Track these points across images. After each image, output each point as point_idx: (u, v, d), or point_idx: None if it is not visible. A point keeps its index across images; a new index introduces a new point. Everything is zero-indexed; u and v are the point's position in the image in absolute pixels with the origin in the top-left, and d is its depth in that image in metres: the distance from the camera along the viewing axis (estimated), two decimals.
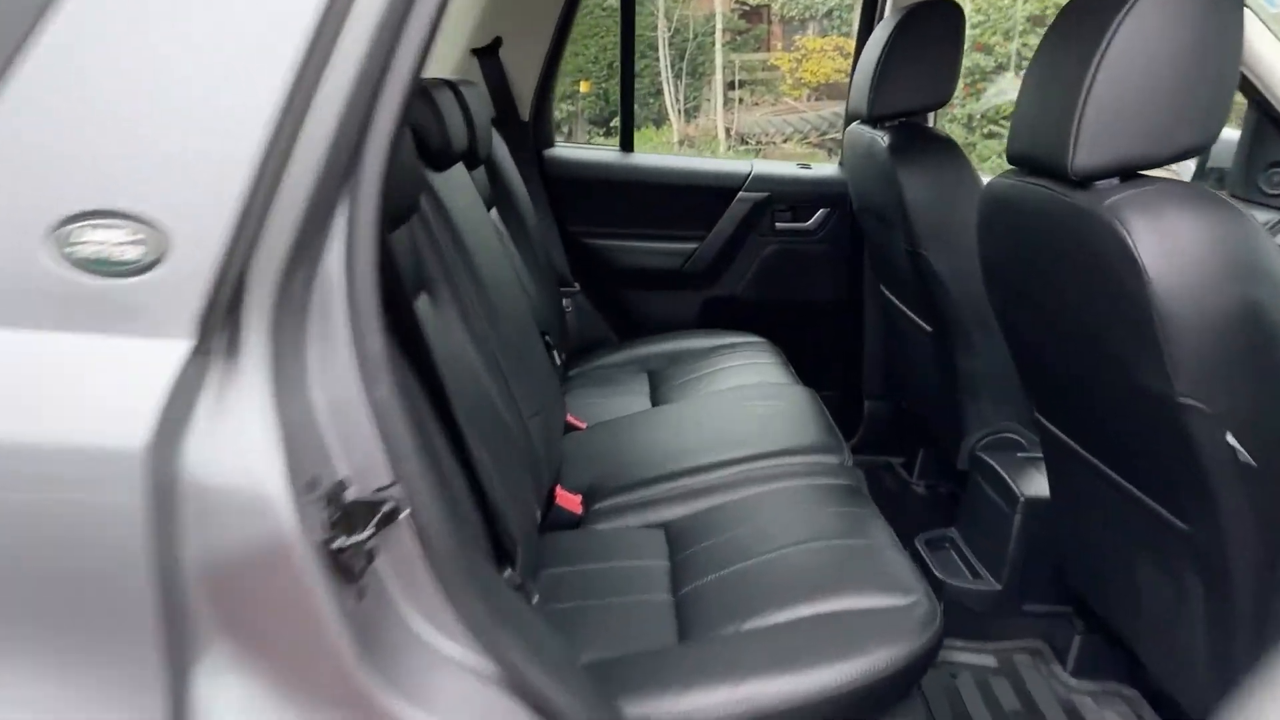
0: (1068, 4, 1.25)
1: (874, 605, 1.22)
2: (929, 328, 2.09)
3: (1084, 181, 1.16)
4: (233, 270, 0.70)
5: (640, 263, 2.64)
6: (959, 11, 2.00)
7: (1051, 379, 1.49)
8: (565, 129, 9.79)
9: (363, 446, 0.77)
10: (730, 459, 1.69)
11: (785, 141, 9.61)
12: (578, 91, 9.41)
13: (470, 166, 1.96)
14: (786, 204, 2.63)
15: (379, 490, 0.78)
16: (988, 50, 7.47)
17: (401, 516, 0.77)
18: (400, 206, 1.24)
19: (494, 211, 2.20)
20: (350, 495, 0.77)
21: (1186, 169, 1.93)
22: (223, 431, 0.70)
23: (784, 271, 2.65)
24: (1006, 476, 1.84)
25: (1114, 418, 1.31)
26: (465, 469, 1.15)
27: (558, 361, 2.02)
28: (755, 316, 2.65)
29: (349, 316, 0.77)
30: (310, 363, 0.76)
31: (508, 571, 1.19)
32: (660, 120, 10.08)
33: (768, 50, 10.93)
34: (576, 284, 2.57)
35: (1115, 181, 1.16)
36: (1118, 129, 1.13)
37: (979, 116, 7.51)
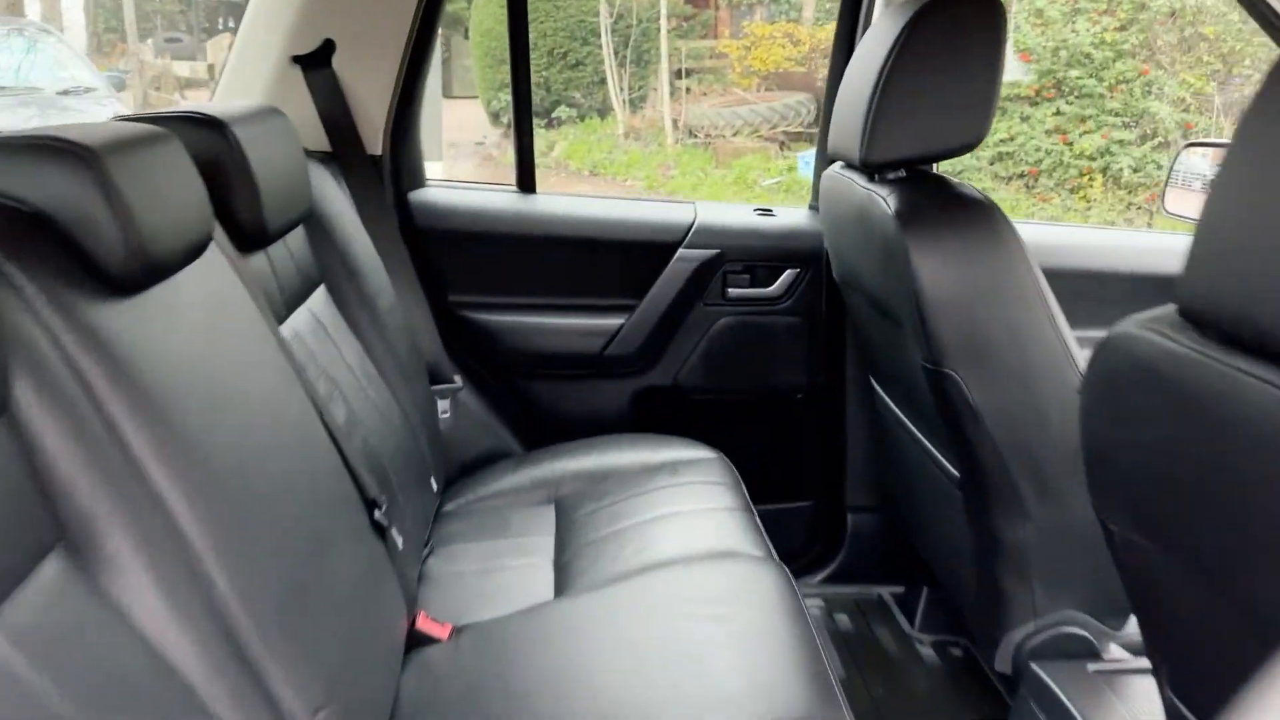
0: None
1: None
2: (956, 472, 1.44)
3: None
4: None
5: (547, 345, 1.96)
6: (998, 8, 1.33)
7: (1210, 664, 0.85)
8: (505, 120, 9.36)
9: None
10: None
11: (735, 135, 9.26)
12: None
13: (252, 246, 1.26)
14: (742, 263, 1.97)
15: None
16: None
17: None
18: None
19: (320, 292, 1.50)
20: None
21: None
22: None
23: (740, 352, 2.00)
24: None
25: None
26: None
27: (400, 544, 1.32)
28: (703, 413, 2.02)
29: None
30: None
31: None
32: (605, 111, 9.76)
33: (715, 37, 10.61)
34: (457, 378, 1.87)
35: None
36: None
37: None
